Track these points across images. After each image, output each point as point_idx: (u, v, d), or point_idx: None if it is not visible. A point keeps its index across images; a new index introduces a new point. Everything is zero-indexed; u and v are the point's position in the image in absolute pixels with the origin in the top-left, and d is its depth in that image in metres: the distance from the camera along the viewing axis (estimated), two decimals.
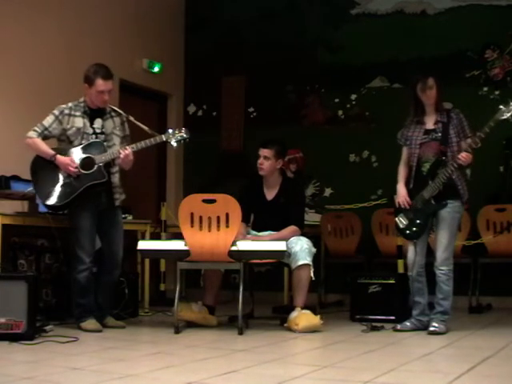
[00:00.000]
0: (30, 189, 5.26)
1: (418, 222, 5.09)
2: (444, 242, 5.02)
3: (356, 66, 7.61)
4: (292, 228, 5.46)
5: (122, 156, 5.10)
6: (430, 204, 5.04)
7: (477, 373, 3.58)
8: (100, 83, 5.10)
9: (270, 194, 5.65)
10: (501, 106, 4.83)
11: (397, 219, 5.20)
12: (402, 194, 5.16)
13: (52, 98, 5.73)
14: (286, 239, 5.28)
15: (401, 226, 5.18)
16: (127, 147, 5.15)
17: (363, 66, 7.57)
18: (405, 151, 5.23)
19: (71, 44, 6.80)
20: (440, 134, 5.05)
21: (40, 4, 6.53)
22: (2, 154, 5.84)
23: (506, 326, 5.61)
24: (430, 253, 5.14)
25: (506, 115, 4.79)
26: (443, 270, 5.00)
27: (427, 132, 5.11)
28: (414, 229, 5.11)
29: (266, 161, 5.55)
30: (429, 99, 5.08)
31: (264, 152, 5.55)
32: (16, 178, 5.54)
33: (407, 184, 5.19)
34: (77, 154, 5.09)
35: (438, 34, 7.27)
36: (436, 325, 4.95)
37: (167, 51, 8.14)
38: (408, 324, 5.10)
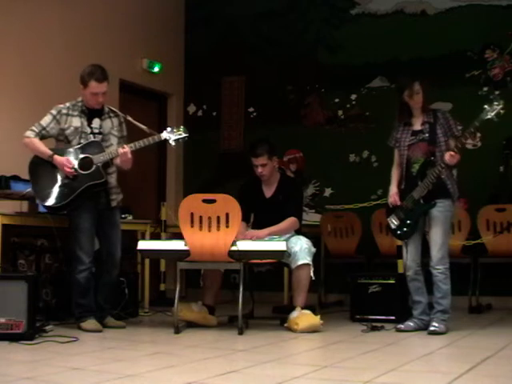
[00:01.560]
0: (29, 189, 5.25)
1: (408, 222, 5.11)
2: (438, 241, 5.02)
3: (356, 66, 7.60)
4: (291, 219, 5.47)
5: (120, 152, 5.09)
6: (420, 204, 5.05)
7: (477, 373, 3.59)
8: (93, 85, 5.08)
9: (269, 192, 5.66)
10: (485, 106, 4.81)
11: (388, 220, 5.24)
12: (391, 193, 5.21)
13: (52, 98, 5.72)
14: (285, 230, 5.30)
15: (392, 226, 5.21)
16: (125, 146, 5.14)
17: (363, 66, 7.57)
18: (396, 153, 5.26)
19: (71, 44, 6.80)
20: (427, 135, 5.08)
21: (41, 4, 6.53)
22: (2, 154, 5.84)
23: (506, 326, 5.61)
24: (427, 253, 5.14)
25: (491, 115, 4.77)
26: (440, 269, 5.00)
27: (414, 133, 5.13)
28: (405, 229, 5.13)
29: (264, 167, 5.55)
30: (416, 104, 5.12)
31: (259, 161, 5.54)
32: (16, 178, 5.54)
33: (400, 185, 5.20)
34: (75, 154, 5.09)
35: (438, 34, 7.27)
36: (436, 324, 4.94)
37: (167, 51, 8.14)
38: (411, 324, 5.09)
